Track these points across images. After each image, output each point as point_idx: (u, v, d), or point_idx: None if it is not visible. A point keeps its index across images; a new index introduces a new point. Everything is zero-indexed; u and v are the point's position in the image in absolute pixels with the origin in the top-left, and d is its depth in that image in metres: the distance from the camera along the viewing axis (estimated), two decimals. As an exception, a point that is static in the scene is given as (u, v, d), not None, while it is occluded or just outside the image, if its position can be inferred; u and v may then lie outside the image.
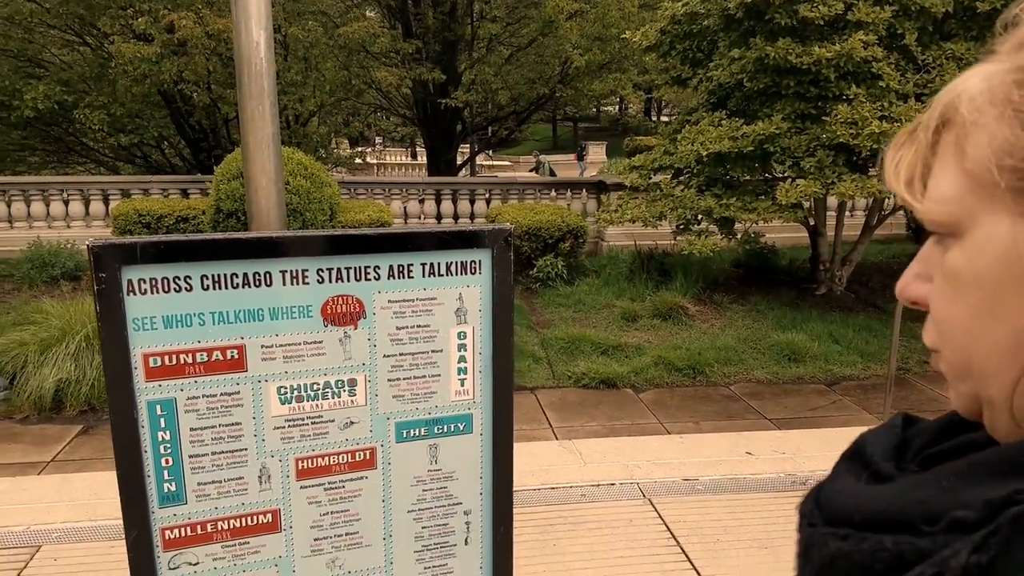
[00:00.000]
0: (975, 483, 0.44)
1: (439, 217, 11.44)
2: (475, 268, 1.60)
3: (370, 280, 1.52)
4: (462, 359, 1.62)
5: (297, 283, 1.48)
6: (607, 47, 13.14)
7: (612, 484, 3.38)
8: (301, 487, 1.56)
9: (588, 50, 12.91)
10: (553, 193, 11.89)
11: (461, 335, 1.61)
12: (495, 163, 30.49)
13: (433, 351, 1.60)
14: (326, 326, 1.51)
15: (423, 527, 1.67)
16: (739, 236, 8.66)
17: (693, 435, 4.77)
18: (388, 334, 1.56)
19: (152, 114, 13.22)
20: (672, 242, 9.16)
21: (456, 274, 1.59)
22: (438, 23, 13.89)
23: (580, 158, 27.07)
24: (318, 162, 8.26)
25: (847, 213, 9.36)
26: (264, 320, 1.48)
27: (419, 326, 1.58)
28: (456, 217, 11.41)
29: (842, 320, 7.82)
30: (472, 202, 11.47)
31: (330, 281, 1.50)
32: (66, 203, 10.76)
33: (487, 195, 11.56)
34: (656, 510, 3.21)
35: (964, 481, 0.45)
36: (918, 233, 9.90)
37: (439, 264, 1.58)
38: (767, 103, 7.56)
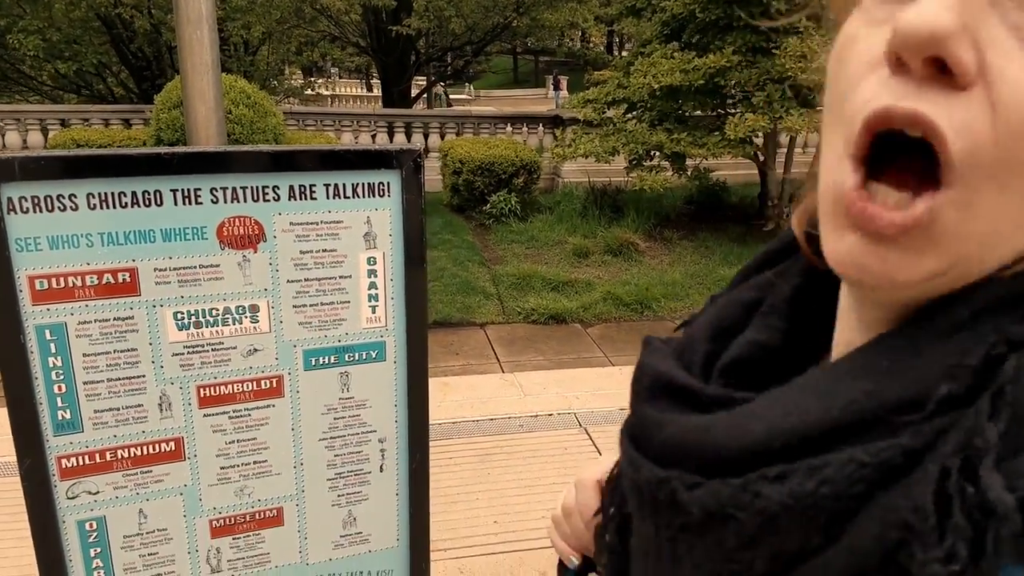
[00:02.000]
0: (927, 353, 0.35)
1: (392, 151, 11.17)
2: (383, 190, 1.53)
3: (269, 201, 1.44)
4: (372, 285, 1.56)
5: (190, 203, 1.39)
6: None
7: (550, 415, 3.41)
8: (204, 415, 1.51)
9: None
10: (509, 128, 11.68)
11: (371, 260, 1.55)
12: (457, 97, 29.87)
13: (341, 277, 1.54)
14: (223, 249, 1.43)
15: (335, 455, 1.63)
16: (690, 172, 8.66)
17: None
18: (291, 258, 1.49)
19: (91, 40, 12.50)
20: (626, 179, 9.12)
21: (363, 196, 1.52)
22: (388, -55, 13.28)
23: (556, 88, 26.57)
24: (263, 91, 7.94)
25: (797, 150, 9.40)
26: (156, 242, 1.39)
27: (325, 250, 1.51)
28: (409, 151, 11.16)
29: (788, 255, 7.94)
30: (426, 136, 11.23)
31: (225, 201, 1.41)
32: (2, 133, 10.22)
33: (440, 128, 11.31)
34: (591, 438, 3.25)
35: (910, 354, 0.35)
36: (865, 171, 9.97)
37: (344, 185, 1.50)
38: (720, 35, 7.45)
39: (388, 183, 1.52)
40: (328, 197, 1.49)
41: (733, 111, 7.60)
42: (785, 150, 8.88)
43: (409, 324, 1.60)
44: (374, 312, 1.58)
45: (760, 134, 7.68)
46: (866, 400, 0.35)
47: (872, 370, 0.36)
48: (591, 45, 30.28)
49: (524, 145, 10.34)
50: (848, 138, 0.36)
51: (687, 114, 8.12)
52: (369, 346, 1.59)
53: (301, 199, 1.48)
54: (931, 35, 0.31)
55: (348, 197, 1.51)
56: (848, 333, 0.43)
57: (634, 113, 8.63)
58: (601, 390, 3.78)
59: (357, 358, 1.58)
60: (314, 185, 1.48)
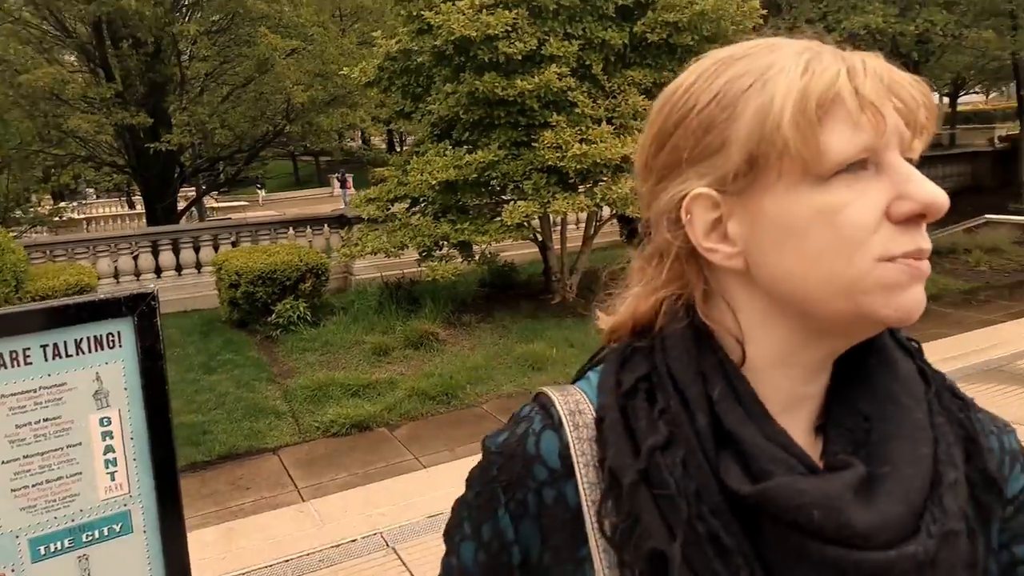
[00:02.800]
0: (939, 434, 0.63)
1: (158, 271, 10.47)
2: (113, 342, 1.40)
3: (-35, 376, 1.26)
4: (109, 449, 1.41)
5: None
6: (329, 83, 13.01)
7: (354, 540, 3.24)
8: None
9: (310, 87, 12.68)
10: (292, 232, 11.44)
11: (104, 421, 1.40)
12: (231, 204, 28.78)
13: (69, 446, 1.37)
14: (-93, 441, 1.22)
15: (84, 654, 1.41)
16: (478, 257, 8.99)
17: (445, 464, 4.76)
18: (5, 435, 1.31)
19: None
20: (418, 270, 9.25)
21: (90, 351, 1.38)
22: (141, 64, 12.79)
23: (343, 187, 26.42)
24: (-2, 225, 7.12)
25: (571, 226, 10.15)
26: None
27: (47, 419, 1.35)
28: (179, 268, 10.53)
29: (575, 324, 8.39)
30: (197, 250, 10.66)
31: (-96, 385, 1.22)
32: None
33: (213, 240, 10.80)
34: (400, 558, 3.13)
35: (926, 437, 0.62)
36: (630, 237, 11.00)
37: (65, 343, 1.36)
38: (485, 133, 7.96)
39: (119, 333, 1.40)
40: (46, 359, 1.34)
41: (507, 199, 8.07)
42: (560, 228, 9.54)
43: (159, 485, 1.46)
44: (114, 479, 1.42)
45: (535, 217, 8.21)
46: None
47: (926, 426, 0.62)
48: (371, 144, 30.94)
49: (309, 248, 10.16)
50: (874, 257, 0.57)
51: (467, 204, 8.49)
52: (111, 519, 1.42)
53: (12, 366, 1.32)
54: (945, 205, 0.57)
55: (71, 355, 1.36)
56: (785, 384, 0.63)
57: (418, 207, 8.87)
58: (409, 500, 3.67)
59: (97, 536, 1.40)
60: (28, 348, 1.33)
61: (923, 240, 0.57)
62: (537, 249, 9.73)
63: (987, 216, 5.80)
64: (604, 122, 7.54)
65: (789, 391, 0.63)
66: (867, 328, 0.61)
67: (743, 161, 0.59)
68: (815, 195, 0.57)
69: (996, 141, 18.93)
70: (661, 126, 0.64)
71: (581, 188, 7.81)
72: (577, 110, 7.45)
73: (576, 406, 0.68)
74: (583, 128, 7.37)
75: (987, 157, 18.67)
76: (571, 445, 0.65)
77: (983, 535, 0.65)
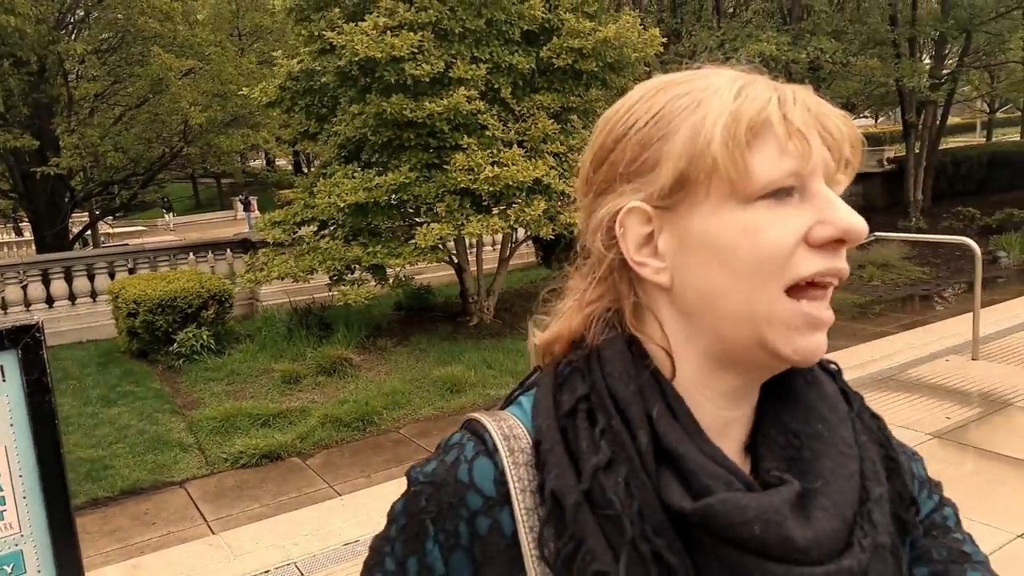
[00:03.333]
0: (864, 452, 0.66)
1: (50, 300, 9.91)
2: (-2, 376, 1.36)
3: None
4: (-4, 488, 1.36)
5: None
6: (228, 103, 12.72)
7: (267, 572, 3.16)
8: None
9: (208, 107, 12.34)
10: (192, 257, 11.06)
11: (-10, 459, 1.35)
12: (128, 229, 27.51)
13: (-49, 487, 1.31)
14: None
15: None
16: (392, 281, 8.94)
17: (362, 492, 4.70)
18: None
19: None
20: (329, 294, 9.10)
21: (-27, 388, 1.33)
22: (24, 84, 12.15)
23: (247, 210, 25.54)
24: None
25: (487, 248, 10.24)
26: None
27: (-75, 460, 1.29)
28: (73, 298, 10.00)
29: (493, 346, 8.46)
30: (91, 278, 10.15)
31: None
32: None
33: (109, 268, 10.32)
34: (315, 586, 3.08)
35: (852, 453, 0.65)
36: (547, 259, 11.21)
37: (-55, 380, 1.31)
38: (395, 154, 7.96)
39: (2, 367, 1.36)
40: (-78, 397, 1.29)
41: (421, 221, 8.08)
42: (475, 249, 9.62)
43: (52, 523, 1.41)
44: (2, 519, 1.36)
45: (450, 239, 8.25)
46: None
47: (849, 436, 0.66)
48: (276, 166, 30.28)
49: (212, 274, 9.85)
50: (780, 285, 0.59)
51: (379, 227, 8.45)
52: (2, 560, 1.36)
53: None
54: (864, 231, 0.60)
55: (-49, 392, 1.31)
56: (711, 408, 0.65)
57: (327, 230, 8.75)
58: (325, 529, 3.61)
59: (-15, 580, 1.34)
60: (-99, 386, 1.27)
61: (840, 262, 0.60)
62: (453, 271, 9.76)
63: (877, 234, 6.19)
64: (515, 145, 7.68)
65: (714, 413, 0.65)
66: (770, 363, 0.63)
67: (674, 178, 0.61)
68: (739, 215, 0.59)
69: (885, 163, 20.25)
70: (602, 143, 0.66)
71: (495, 210, 7.91)
72: (488, 133, 7.56)
73: (510, 431, 0.66)
74: (495, 151, 7.49)
75: (877, 178, 19.90)
76: (507, 471, 0.64)
77: (903, 550, 0.67)
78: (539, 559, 0.61)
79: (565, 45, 7.81)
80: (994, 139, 29.62)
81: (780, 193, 0.59)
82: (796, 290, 0.60)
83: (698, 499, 0.58)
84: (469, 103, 7.31)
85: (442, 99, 7.32)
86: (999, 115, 34.40)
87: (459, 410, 6.90)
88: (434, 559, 0.63)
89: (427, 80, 7.36)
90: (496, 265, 9.69)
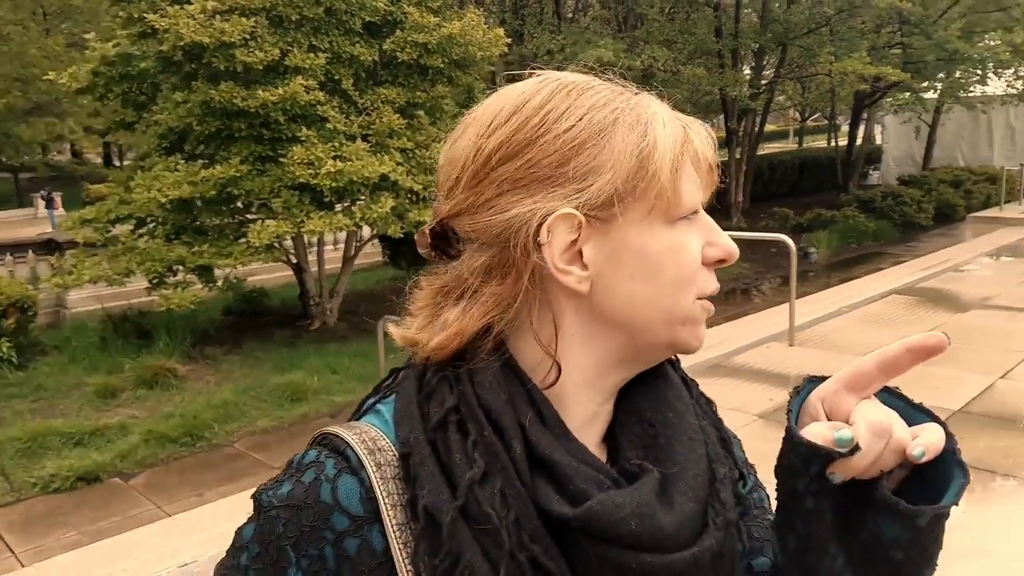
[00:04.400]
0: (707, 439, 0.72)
1: None
2: None
3: None
4: None
5: None
6: (30, 89, 11.55)
7: (90, 600, 2.94)
8: None
9: (7, 92, 11.14)
10: (-16, 261, 9.93)
11: None
12: None
13: None
14: None
15: None
16: (221, 283, 8.50)
17: (196, 511, 4.45)
18: None
19: None
20: (149, 299, 8.50)
21: None
22: None
23: (49, 207, 23.02)
24: None
25: (328, 247, 9.99)
26: None
27: None
28: None
29: (338, 350, 8.28)
30: None
31: None
32: None
33: None
34: (147, 613, 2.89)
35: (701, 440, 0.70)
36: (394, 258, 11.08)
37: None
38: (223, 146, 7.58)
39: None
40: None
41: (254, 218, 7.75)
42: (316, 248, 9.36)
43: None
44: None
45: (288, 237, 7.97)
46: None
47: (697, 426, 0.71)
48: (84, 158, 27.73)
49: (11, 279, 8.89)
50: (696, 294, 0.67)
51: (206, 225, 8.00)
52: None
53: None
54: (737, 254, 0.69)
55: None
56: (587, 404, 0.68)
57: (145, 228, 8.17)
58: (155, 552, 3.40)
59: None
60: None
61: (716, 282, 0.69)
62: (291, 272, 9.44)
63: None
64: (359, 139, 7.56)
65: (588, 410, 0.68)
66: (665, 355, 0.71)
67: (614, 192, 0.63)
68: (667, 234, 0.65)
69: (710, 166, 21.90)
70: (511, 136, 0.64)
71: (338, 207, 7.75)
72: (329, 125, 7.39)
73: (374, 444, 0.65)
74: (336, 144, 7.33)
75: (703, 180, 21.57)
76: (375, 487, 0.62)
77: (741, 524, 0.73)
78: (415, 575, 0.60)
79: (409, 39, 7.79)
80: (804, 145, 33.06)
81: (690, 215, 0.67)
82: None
83: (576, 503, 0.60)
84: (307, 93, 7.11)
85: (277, 88, 7.07)
86: (809, 123, 38.39)
87: (301, 420, 6.69)
88: None
89: (260, 68, 7.08)
90: (340, 265, 9.49)
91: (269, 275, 10.69)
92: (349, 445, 0.64)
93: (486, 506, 0.59)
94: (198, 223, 7.82)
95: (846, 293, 8.95)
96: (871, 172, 24.15)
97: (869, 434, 0.60)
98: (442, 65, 8.12)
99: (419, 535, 0.60)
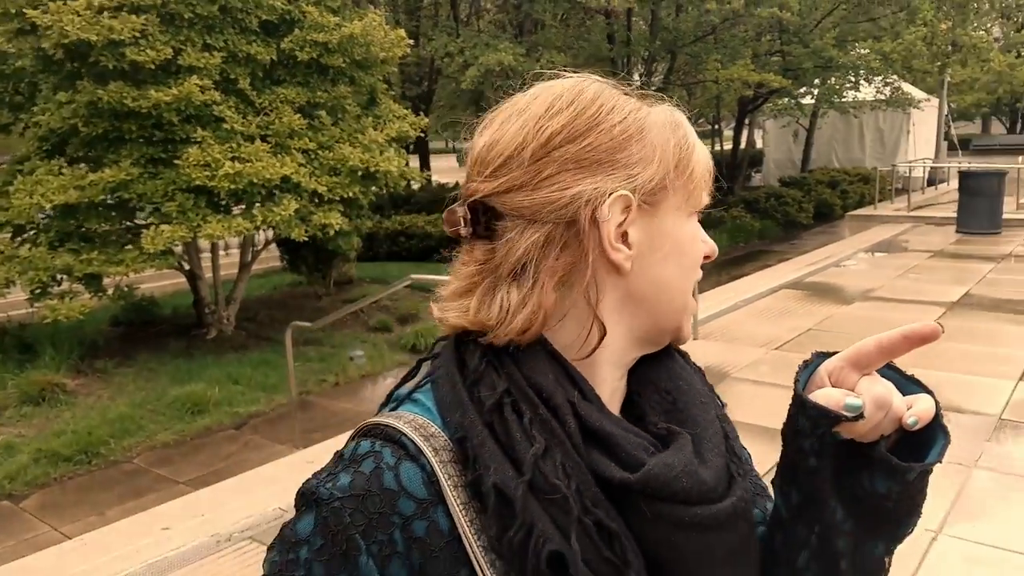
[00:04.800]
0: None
1: None
2: None
3: None
4: None
5: None
6: None
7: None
8: None
9: None
10: None
11: None
12: None
13: None
14: None
15: None
16: (111, 292, 8.08)
17: (98, 531, 4.27)
18: None
19: None
20: (31, 310, 7.97)
21: None
22: None
23: None
24: None
25: (222, 253, 9.67)
26: None
27: None
28: None
29: (239, 359, 8.05)
30: None
31: None
32: None
33: None
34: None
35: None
36: (293, 263, 10.82)
37: None
38: (112, 148, 7.24)
39: None
40: None
41: (147, 223, 7.43)
42: (210, 254, 9.04)
43: None
44: None
45: (181, 243, 7.68)
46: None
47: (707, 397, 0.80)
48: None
49: None
50: (695, 279, 0.78)
51: (92, 231, 7.60)
52: None
53: None
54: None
55: None
56: (611, 380, 0.76)
57: (25, 236, 7.69)
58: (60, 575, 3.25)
59: None
60: None
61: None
62: (183, 279, 9.08)
63: (412, 276, 6.49)
64: (258, 140, 7.38)
65: (611, 385, 0.75)
66: (666, 341, 0.79)
67: (660, 181, 0.72)
68: (691, 225, 0.77)
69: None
70: (572, 120, 0.70)
71: (236, 210, 7.53)
72: (225, 126, 7.17)
73: (426, 431, 0.68)
74: (234, 145, 7.12)
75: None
76: (437, 471, 0.66)
77: None
78: (486, 549, 0.64)
79: (308, 38, 7.68)
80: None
81: (697, 213, 0.78)
82: None
83: (630, 468, 0.66)
84: (203, 93, 6.88)
85: (171, 88, 6.81)
86: (695, 128, 40.16)
87: (204, 432, 6.49)
88: (369, 572, 0.63)
89: (152, 67, 6.80)
90: (236, 271, 9.21)
91: (157, 283, 10.22)
92: (403, 433, 0.68)
93: (552, 478, 0.64)
94: (85, 229, 7.42)
95: (740, 289, 9.47)
96: (754, 174, 25.46)
97: (871, 404, 0.68)
98: (343, 65, 8.04)
99: (491, 512, 0.64)
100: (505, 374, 0.69)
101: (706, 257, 0.79)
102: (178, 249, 8.08)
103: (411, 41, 9.05)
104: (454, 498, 0.66)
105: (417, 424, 0.69)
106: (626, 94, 0.76)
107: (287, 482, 4.47)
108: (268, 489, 4.40)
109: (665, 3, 16.06)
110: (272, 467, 4.95)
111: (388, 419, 0.70)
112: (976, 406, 5.46)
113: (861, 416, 0.68)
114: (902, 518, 0.73)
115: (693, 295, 0.83)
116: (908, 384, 0.74)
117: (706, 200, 0.78)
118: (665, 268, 0.74)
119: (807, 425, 0.70)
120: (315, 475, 0.68)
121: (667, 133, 0.75)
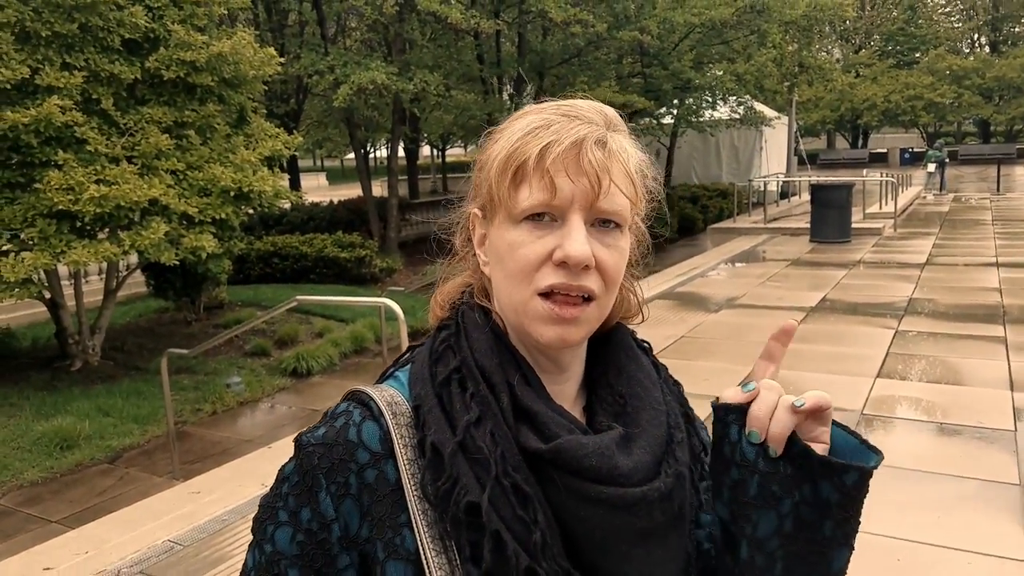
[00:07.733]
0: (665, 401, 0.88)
1: None
2: None
3: None
4: None
5: None
6: None
7: None
8: None
9: None
10: None
11: None
12: None
13: None
14: None
15: None
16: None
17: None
18: None
19: None
20: None
21: None
22: None
23: None
24: None
25: (84, 280, 9.26)
26: None
27: None
28: None
29: (108, 391, 7.76)
30: None
31: None
32: None
33: None
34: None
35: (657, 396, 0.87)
36: (160, 288, 10.41)
37: None
38: (-38, 172, 6.87)
39: None
40: None
41: (5, 250, 7.07)
42: (71, 282, 8.66)
43: None
44: None
45: (40, 271, 7.34)
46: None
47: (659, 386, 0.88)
48: None
49: None
50: (533, 289, 0.78)
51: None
52: None
53: None
54: (585, 260, 0.76)
55: None
56: (553, 366, 0.85)
57: None
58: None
59: None
60: None
61: (576, 279, 0.77)
62: (42, 308, 8.64)
63: (297, 298, 6.56)
64: (124, 161, 7.19)
65: (561, 370, 0.86)
66: (532, 343, 0.82)
67: (487, 192, 0.82)
68: (511, 232, 0.79)
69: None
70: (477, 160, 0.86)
71: (101, 235, 7.29)
72: (88, 147, 6.95)
73: (391, 399, 0.81)
74: (99, 167, 6.92)
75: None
76: (391, 431, 0.78)
77: (700, 485, 0.90)
78: (420, 498, 0.76)
79: (175, 57, 7.57)
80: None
81: (535, 218, 0.78)
82: (547, 295, 0.78)
83: (549, 443, 0.76)
84: (64, 113, 6.67)
85: (29, 108, 6.56)
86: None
87: (76, 468, 6.25)
88: (326, 506, 0.76)
89: (8, 87, 6.53)
90: (101, 298, 8.85)
91: (13, 314, 9.65)
92: (372, 399, 0.82)
93: (479, 441, 0.75)
94: (-71, 259, 6.97)
95: (614, 299, 9.91)
96: (622, 191, 26.51)
97: (761, 385, 0.78)
98: (212, 83, 7.95)
99: (426, 464, 0.76)
100: (459, 355, 0.82)
101: (560, 263, 0.77)
102: (38, 277, 7.72)
103: (281, 59, 9.06)
104: (402, 455, 0.78)
105: (387, 394, 0.83)
106: (553, 109, 0.83)
107: (174, 513, 4.42)
108: (155, 522, 4.31)
109: (531, 26, 16.68)
110: (157, 500, 4.84)
111: (367, 388, 0.84)
112: (839, 403, 5.86)
113: (758, 395, 0.78)
114: (837, 542, 0.80)
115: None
116: (849, 436, 0.82)
117: (533, 201, 0.77)
118: (495, 273, 0.84)
119: (719, 427, 0.81)
120: (309, 427, 0.82)
121: (503, 143, 0.81)
